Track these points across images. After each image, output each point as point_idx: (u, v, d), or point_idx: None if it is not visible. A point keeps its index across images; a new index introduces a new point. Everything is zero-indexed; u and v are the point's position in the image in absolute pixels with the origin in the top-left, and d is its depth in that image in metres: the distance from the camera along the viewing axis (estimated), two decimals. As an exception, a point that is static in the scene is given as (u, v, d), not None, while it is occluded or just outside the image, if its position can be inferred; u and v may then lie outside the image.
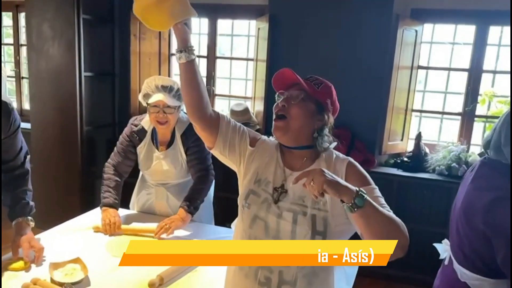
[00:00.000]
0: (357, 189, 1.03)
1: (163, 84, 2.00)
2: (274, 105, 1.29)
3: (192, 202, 2.03)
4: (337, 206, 1.04)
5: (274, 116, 1.28)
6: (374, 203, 1.05)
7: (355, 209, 1.01)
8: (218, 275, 1.61)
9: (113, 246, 1.84)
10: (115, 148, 2.20)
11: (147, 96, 2.03)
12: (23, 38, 4.15)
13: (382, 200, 1.16)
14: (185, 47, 1.19)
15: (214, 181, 2.41)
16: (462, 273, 1.42)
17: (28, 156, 1.83)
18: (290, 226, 1.21)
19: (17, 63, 4.26)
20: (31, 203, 1.78)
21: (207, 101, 1.28)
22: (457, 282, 1.44)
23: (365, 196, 1.02)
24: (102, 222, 1.95)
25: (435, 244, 1.67)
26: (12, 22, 4.18)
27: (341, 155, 1.31)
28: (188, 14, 1.17)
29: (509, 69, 3.17)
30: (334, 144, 1.31)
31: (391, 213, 1.10)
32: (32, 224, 1.74)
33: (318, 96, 1.27)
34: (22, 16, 4.10)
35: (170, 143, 2.13)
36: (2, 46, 4.28)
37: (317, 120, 1.27)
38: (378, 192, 1.19)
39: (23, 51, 4.20)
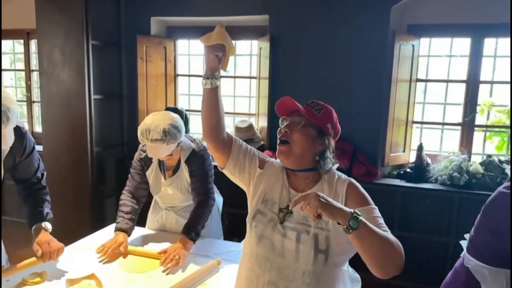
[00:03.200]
0: (352, 211, 1.07)
1: (152, 138, 1.92)
2: (278, 130, 1.38)
3: (192, 229, 2.03)
4: None
5: (278, 141, 1.36)
6: (370, 225, 1.09)
7: (350, 231, 1.06)
8: (226, 287, 1.68)
9: (125, 263, 1.92)
10: (129, 174, 2.26)
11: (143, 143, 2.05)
12: (33, 64, 4.31)
13: (381, 220, 1.21)
14: (212, 75, 1.30)
15: (222, 198, 2.48)
16: (468, 259, 1.55)
17: (45, 174, 1.93)
18: (294, 245, 1.27)
19: (28, 88, 4.41)
20: (48, 210, 1.86)
21: (223, 125, 1.37)
22: (461, 267, 1.59)
23: (360, 218, 1.06)
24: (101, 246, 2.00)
25: (461, 242, 1.77)
26: (23, 48, 4.35)
27: (343, 175, 1.38)
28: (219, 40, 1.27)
29: (506, 79, 3.24)
30: (336, 165, 1.39)
31: (387, 234, 1.14)
32: (49, 229, 1.83)
33: (318, 122, 1.33)
34: (32, 43, 4.26)
35: (176, 168, 2.18)
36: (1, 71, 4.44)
37: (319, 145, 1.34)
38: (377, 212, 1.24)
39: (34, 76, 4.35)
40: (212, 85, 1.31)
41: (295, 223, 1.29)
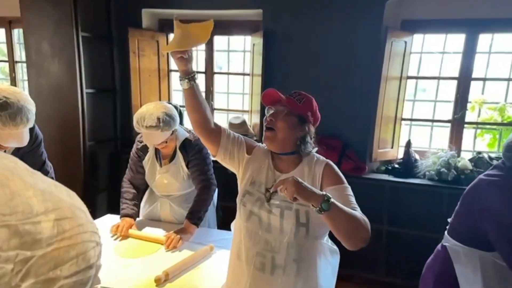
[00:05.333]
0: (324, 194, 1.22)
1: (147, 125, 2.02)
2: (264, 118, 1.52)
3: (195, 214, 2.14)
4: None
5: (264, 128, 1.50)
6: (340, 205, 1.25)
7: (322, 212, 1.21)
8: (218, 271, 1.73)
9: (121, 249, 1.94)
10: (128, 164, 2.35)
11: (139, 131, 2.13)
12: (17, 55, 4.14)
13: (352, 198, 1.38)
14: (186, 76, 1.42)
15: (217, 190, 2.52)
16: (447, 238, 1.75)
17: (52, 168, 1.99)
18: (278, 220, 1.40)
19: (13, 80, 4.18)
20: None
21: (209, 118, 1.50)
22: (441, 246, 1.80)
23: (331, 200, 1.21)
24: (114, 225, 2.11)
25: (447, 227, 1.89)
26: (5, 38, 4.08)
27: (321, 157, 1.54)
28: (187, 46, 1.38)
29: (499, 76, 3.27)
30: (315, 149, 1.55)
31: (356, 211, 1.32)
32: None
33: (299, 110, 1.48)
34: (15, 33, 4.05)
35: (172, 157, 2.25)
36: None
37: (300, 131, 1.49)
38: (349, 191, 1.40)
39: (19, 67, 4.17)
40: (189, 85, 1.44)
41: (280, 201, 1.43)
